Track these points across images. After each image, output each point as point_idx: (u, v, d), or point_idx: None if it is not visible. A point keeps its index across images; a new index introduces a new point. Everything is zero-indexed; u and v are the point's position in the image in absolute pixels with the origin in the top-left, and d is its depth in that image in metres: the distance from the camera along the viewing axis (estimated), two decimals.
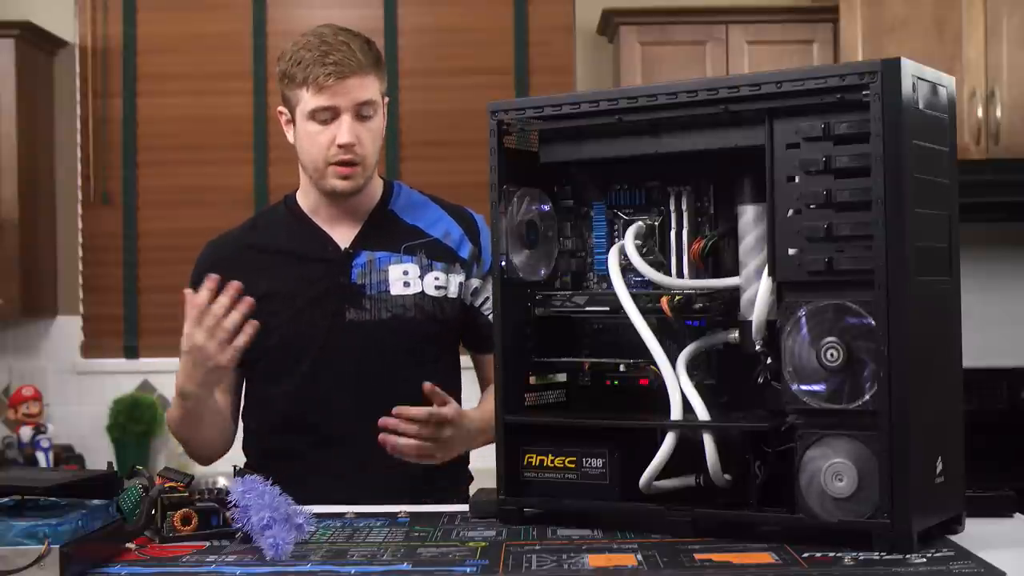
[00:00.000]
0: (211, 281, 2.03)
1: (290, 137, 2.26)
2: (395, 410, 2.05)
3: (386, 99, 2.27)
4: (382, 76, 2.24)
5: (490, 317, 2.25)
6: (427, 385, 2.07)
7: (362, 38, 2.22)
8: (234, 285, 2.03)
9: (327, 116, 2.17)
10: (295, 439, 2.23)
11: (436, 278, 2.25)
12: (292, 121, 2.24)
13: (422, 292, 2.24)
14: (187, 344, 2.05)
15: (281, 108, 2.26)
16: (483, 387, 2.35)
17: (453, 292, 2.26)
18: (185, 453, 2.35)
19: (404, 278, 2.24)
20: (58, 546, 1.46)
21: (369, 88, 2.19)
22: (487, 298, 2.27)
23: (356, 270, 2.24)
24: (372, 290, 2.23)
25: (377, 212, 2.30)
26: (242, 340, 2.03)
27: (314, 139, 2.19)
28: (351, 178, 2.20)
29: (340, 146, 2.17)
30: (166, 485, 1.76)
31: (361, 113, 2.18)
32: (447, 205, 2.36)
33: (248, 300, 2.04)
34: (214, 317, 2.02)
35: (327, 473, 2.20)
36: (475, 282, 2.28)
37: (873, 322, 1.56)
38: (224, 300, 2.02)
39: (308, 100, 2.18)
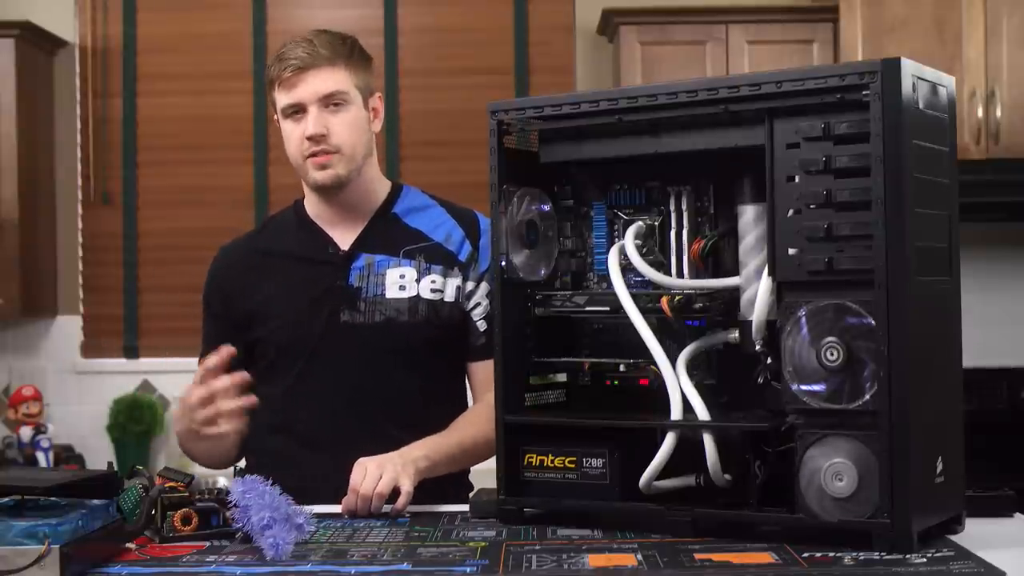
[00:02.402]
0: (226, 351, 2.06)
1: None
2: None
3: (376, 93, 2.27)
4: (357, 68, 2.23)
5: (479, 324, 2.25)
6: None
7: (333, 35, 2.23)
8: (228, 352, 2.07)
9: (296, 112, 2.20)
10: (285, 440, 2.22)
11: (433, 281, 2.24)
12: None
13: (417, 295, 2.23)
14: (184, 403, 2.08)
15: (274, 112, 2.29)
16: (474, 397, 2.32)
17: (450, 296, 2.25)
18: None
19: (400, 281, 2.24)
20: (58, 546, 1.47)
21: (334, 80, 2.19)
22: (479, 303, 2.26)
23: (354, 272, 2.24)
24: (368, 293, 2.23)
25: (380, 214, 2.30)
26: (225, 427, 2.05)
27: (289, 136, 2.23)
28: (328, 167, 2.20)
29: (308, 139, 2.19)
30: (166, 485, 1.76)
31: (329, 103, 2.19)
32: (452, 208, 2.34)
33: (251, 399, 2.07)
34: (210, 390, 2.04)
35: (315, 475, 2.15)
36: (469, 284, 2.26)
37: (873, 322, 1.56)
38: (226, 381, 2.04)
39: (279, 99, 2.22)
